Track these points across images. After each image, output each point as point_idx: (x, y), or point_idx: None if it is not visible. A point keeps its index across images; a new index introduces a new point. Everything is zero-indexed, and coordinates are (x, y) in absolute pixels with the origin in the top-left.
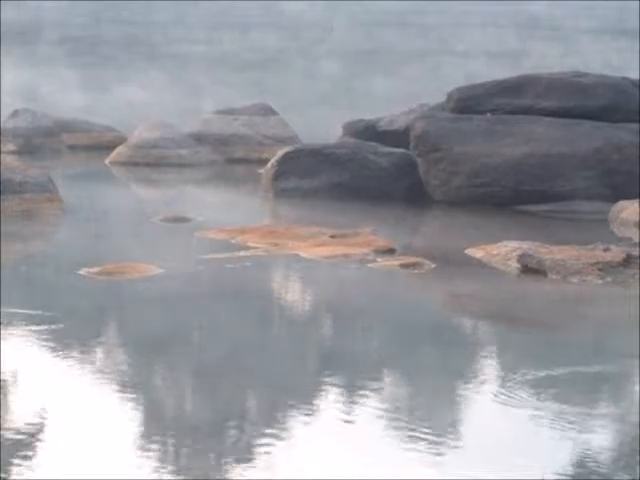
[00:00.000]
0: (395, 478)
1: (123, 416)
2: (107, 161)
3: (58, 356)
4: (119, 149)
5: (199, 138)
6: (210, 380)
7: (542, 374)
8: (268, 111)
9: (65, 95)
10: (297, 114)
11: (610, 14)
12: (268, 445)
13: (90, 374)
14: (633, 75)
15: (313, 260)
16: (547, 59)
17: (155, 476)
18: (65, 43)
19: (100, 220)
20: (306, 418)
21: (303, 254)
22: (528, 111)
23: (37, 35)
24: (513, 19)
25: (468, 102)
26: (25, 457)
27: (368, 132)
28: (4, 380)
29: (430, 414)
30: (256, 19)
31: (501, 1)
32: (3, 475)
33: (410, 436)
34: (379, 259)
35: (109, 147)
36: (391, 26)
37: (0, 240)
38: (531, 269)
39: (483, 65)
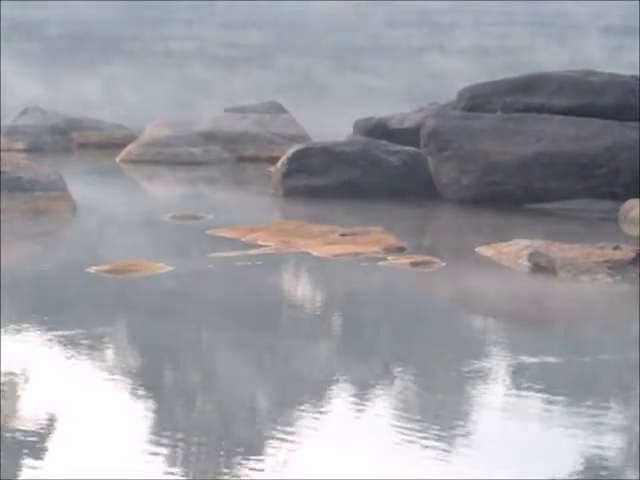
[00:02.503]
0: (398, 478)
1: (131, 416)
2: (117, 159)
3: (62, 354)
4: (129, 147)
5: (210, 136)
6: (220, 379)
7: (553, 372)
8: (278, 109)
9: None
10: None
11: (619, 13)
12: (280, 442)
13: (97, 373)
14: (633, 73)
15: (323, 258)
16: (554, 57)
17: (162, 477)
18: (50, 41)
19: (110, 218)
20: (317, 415)
21: (313, 252)
22: (539, 109)
23: (22, 34)
24: (529, 17)
25: (479, 100)
26: (27, 458)
27: (378, 130)
28: (11, 380)
29: (440, 412)
30: (258, 17)
31: (523, 1)
32: (4, 476)
33: (419, 434)
34: (389, 257)
35: (119, 145)
36: (406, 25)
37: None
38: (541, 267)
39: (480, 62)
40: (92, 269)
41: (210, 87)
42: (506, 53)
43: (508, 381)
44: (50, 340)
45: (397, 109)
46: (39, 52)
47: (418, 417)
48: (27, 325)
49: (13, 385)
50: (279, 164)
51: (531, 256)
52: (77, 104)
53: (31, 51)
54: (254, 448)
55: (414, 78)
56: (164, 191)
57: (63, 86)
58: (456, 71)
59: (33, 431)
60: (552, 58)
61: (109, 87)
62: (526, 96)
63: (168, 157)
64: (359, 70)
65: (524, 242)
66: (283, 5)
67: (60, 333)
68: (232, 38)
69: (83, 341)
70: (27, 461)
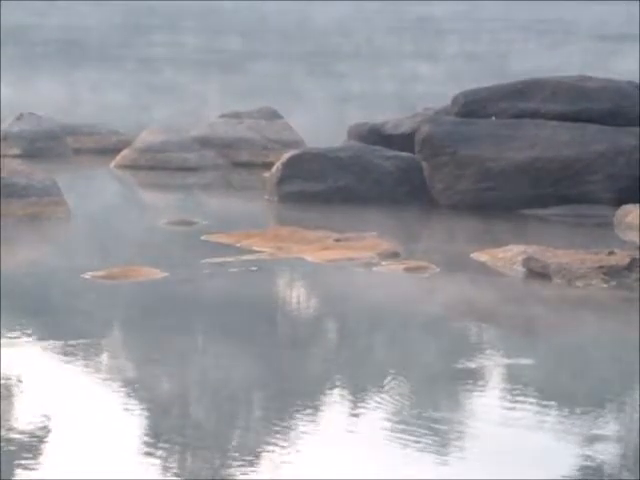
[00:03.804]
0: (397, 478)
1: (126, 420)
2: (112, 165)
3: (58, 360)
4: (124, 153)
5: (204, 142)
6: (215, 383)
7: (545, 377)
8: (273, 115)
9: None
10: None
11: (619, 17)
12: (274, 447)
13: (92, 378)
14: (633, 79)
15: (318, 264)
16: (548, 62)
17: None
18: (34, 46)
19: (105, 224)
20: (311, 422)
21: (308, 258)
22: (534, 115)
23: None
24: (529, 23)
25: (473, 106)
26: (27, 459)
27: (373, 136)
28: (7, 385)
29: (432, 417)
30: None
31: (526, 2)
32: (4, 477)
33: (414, 438)
34: (384, 263)
35: (114, 150)
36: (404, 30)
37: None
38: (536, 273)
39: (468, 69)
40: (88, 275)
41: (184, 93)
42: (498, 59)
43: (501, 386)
44: (46, 346)
45: (378, 115)
46: (21, 56)
47: (410, 422)
48: (23, 330)
49: (9, 391)
50: (274, 170)
51: (526, 262)
52: (39, 108)
53: (13, 55)
54: (248, 454)
55: (397, 84)
56: (159, 196)
57: (29, 90)
58: (442, 77)
59: (31, 434)
60: (546, 63)
61: (74, 91)
62: (521, 101)
63: (162, 162)
64: (345, 75)
65: (519, 248)
66: (286, 7)
67: (56, 338)
68: (224, 44)
69: (79, 346)
70: (25, 462)
